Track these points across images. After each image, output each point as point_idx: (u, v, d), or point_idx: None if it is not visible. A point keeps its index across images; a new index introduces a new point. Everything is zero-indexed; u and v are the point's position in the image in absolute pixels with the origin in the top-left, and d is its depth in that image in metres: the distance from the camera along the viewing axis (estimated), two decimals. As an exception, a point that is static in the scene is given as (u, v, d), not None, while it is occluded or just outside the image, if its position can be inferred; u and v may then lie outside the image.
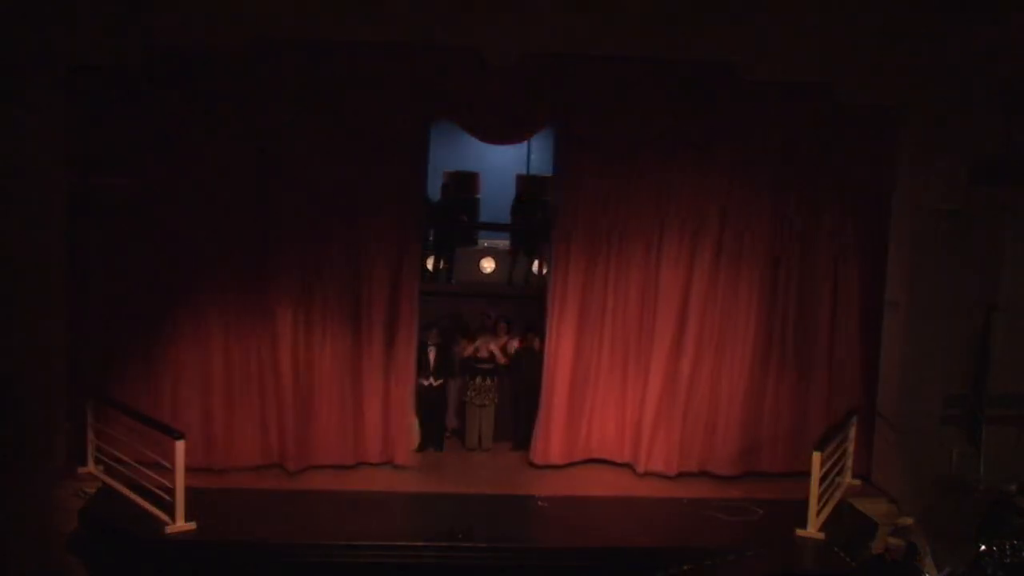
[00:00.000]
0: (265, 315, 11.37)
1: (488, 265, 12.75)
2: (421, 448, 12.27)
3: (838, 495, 11.08)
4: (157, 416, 10.82)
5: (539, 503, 11.08)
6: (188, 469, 10.03)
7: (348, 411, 11.69)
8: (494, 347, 12.55)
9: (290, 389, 11.44)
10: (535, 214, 13.17)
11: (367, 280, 11.53)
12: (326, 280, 11.46)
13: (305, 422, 11.54)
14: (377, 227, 11.47)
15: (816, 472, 10.27)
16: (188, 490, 9.95)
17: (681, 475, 11.89)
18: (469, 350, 12.61)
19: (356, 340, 11.62)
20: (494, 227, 13.01)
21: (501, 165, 12.84)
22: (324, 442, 11.62)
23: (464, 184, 12.78)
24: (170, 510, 9.91)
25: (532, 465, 12.01)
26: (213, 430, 11.34)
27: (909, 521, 9.36)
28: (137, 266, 11.11)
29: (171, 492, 9.91)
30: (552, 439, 11.97)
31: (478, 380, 12.53)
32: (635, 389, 12.00)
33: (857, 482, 11.63)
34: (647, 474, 11.90)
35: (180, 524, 9.88)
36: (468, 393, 12.60)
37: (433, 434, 12.48)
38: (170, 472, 9.91)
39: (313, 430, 11.57)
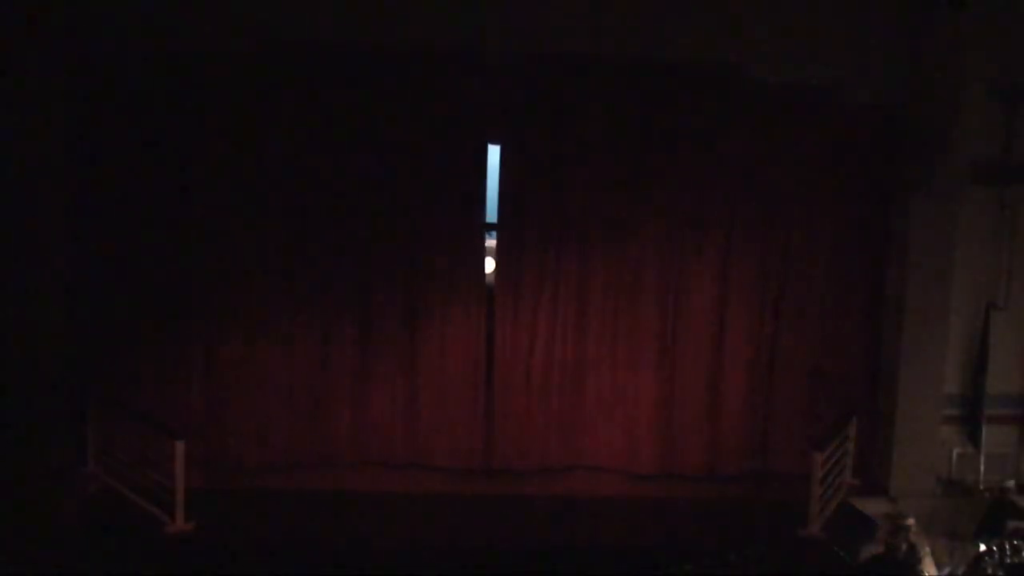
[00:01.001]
0: (303, 317, 11.37)
1: (488, 265, 12.71)
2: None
3: (838, 495, 11.09)
4: (185, 416, 10.93)
5: (539, 503, 11.06)
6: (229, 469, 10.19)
7: (403, 411, 11.59)
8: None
9: (347, 388, 11.44)
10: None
11: (425, 281, 11.52)
12: (380, 283, 11.45)
13: (360, 421, 11.51)
14: (431, 226, 11.45)
15: (816, 472, 10.28)
16: (188, 490, 9.97)
17: (675, 476, 11.77)
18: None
19: (412, 342, 11.55)
20: (494, 227, 12.98)
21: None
22: (379, 440, 11.57)
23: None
24: (170, 510, 9.93)
25: (493, 470, 11.69)
26: (268, 430, 11.34)
27: (909, 521, 9.33)
28: (144, 266, 11.10)
29: (171, 492, 9.92)
30: (509, 443, 11.69)
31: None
32: (606, 390, 11.76)
33: (857, 482, 11.64)
34: (626, 474, 11.73)
35: (180, 524, 9.91)
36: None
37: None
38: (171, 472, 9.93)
39: (368, 429, 11.54)
